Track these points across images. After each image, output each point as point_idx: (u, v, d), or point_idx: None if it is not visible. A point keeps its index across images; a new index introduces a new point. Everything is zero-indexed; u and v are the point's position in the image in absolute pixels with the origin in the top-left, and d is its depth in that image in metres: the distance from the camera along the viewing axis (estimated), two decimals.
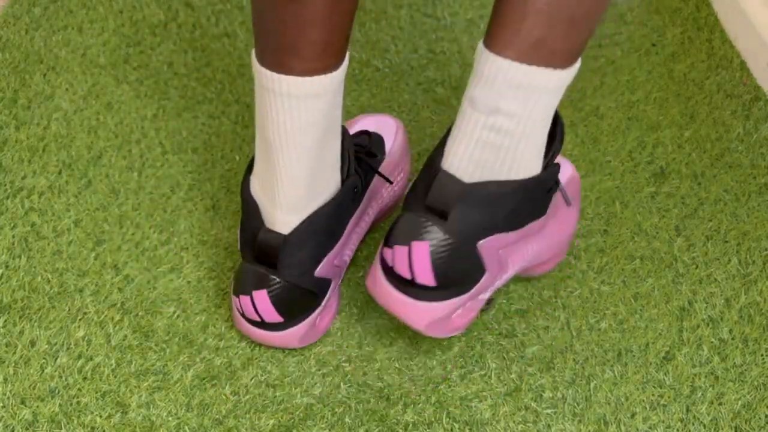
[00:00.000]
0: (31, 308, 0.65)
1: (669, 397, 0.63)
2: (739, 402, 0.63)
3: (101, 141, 0.79)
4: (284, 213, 0.59)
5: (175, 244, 0.71)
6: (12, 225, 0.71)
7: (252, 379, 0.63)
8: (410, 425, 0.61)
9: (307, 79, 0.53)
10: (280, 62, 0.53)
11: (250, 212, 0.60)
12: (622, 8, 1.00)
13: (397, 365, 0.64)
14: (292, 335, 0.62)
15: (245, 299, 0.60)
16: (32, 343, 0.63)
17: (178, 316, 0.66)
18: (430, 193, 0.54)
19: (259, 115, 0.57)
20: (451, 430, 0.61)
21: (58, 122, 0.80)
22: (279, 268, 0.59)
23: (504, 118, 0.52)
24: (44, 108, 0.81)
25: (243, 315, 0.62)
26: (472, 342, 0.66)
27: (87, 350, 0.63)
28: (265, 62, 0.54)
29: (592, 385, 0.64)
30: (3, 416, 0.59)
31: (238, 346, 0.65)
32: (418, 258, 0.55)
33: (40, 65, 0.86)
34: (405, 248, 0.55)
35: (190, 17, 0.94)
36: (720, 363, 0.65)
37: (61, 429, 0.59)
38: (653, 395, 0.63)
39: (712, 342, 0.67)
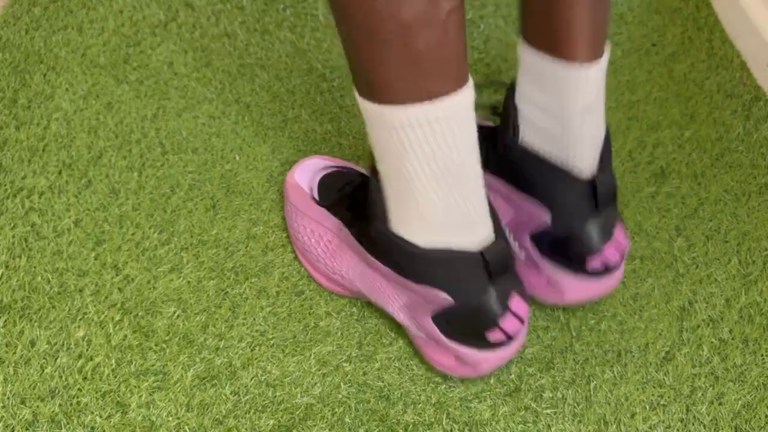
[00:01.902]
0: (31, 308, 0.65)
1: (669, 397, 0.63)
2: (739, 402, 0.63)
3: (101, 141, 0.79)
4: (484, 226, 0.56)
5: (175, 244, 0.71)
6: (12, 225, 0.71)
7: (252, 379, 0.63)
8: (410, 425, 0.61)
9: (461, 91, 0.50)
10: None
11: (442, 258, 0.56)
12: (622, 8, 1.00)
13: (397, 365, 0.64)
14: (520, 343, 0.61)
15: (509, 319, 0.57)
16: (32, 343, 0.63)
17: (178, 316, 0.66)
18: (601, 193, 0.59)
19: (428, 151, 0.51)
20: (451, 430, 0.61)
21: (58, 122, 0.80)
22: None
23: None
24: (44, 108, 0.81)
25: (504, 337, 0.58)
26: None
27: (87, 350, 0.63)
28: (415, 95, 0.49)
29: (592, 385, 0.64)
30: (3, 416, 0.59)
31: (238, 346, 0.65)
32: (622, 237, 0.62)
33: (40, 65, 0.86)
34: (611, 242, 0.61)
35: (190, 17, 0.94)
36: (720, 363, 0.65)
37: (61, 429, 0.59)
38: (653, 395, 0.63)
39: (712, 342, 0.67)
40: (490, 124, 0.70)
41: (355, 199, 0.64)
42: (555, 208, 0.62)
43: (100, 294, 0.67)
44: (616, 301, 0.69)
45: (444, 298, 0.56)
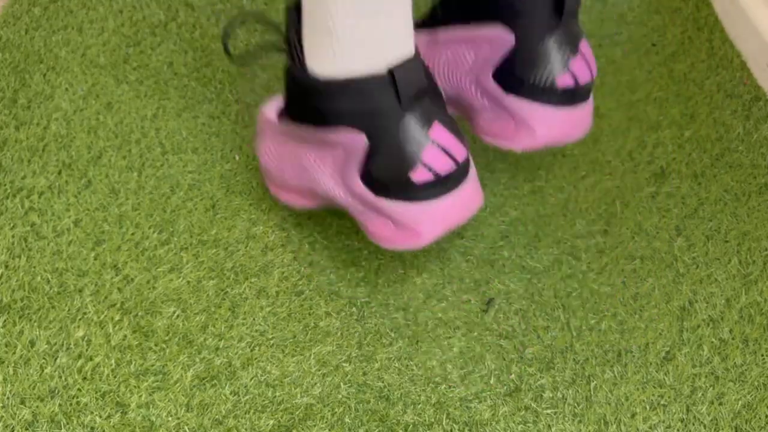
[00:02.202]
0: (30, 308, 0.65)
1: (669, 397, 0.63)
2: (740, 402, 0.63)
3: (101, 141, 0.79)
4: (401, 46, 0.49)
5: (175, 244, 0.71)
6: (12, 225, 0.71)
7: (252, 379, 0.63)
8: (410, 425, 0.61)
9: None
10: None
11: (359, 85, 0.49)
12: (622, 8, 1.00)
13: (397, 365, 0.64)
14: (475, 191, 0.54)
15: (431, 150, 0.50)
16: (32, 343, 0.63)
17: (177, 316, 0.66)
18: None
19: None
20: (451, 430, 0.61)
21: (58, 122, 0.80)
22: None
23: None
24: (44, 108, 0.81)
25: (431, 175, 0.50)
26: (471, 342, 0.66)
27: (87, 350, 0.63)
28: None
29: (592, 385, 0.64)
30: (3, 416, 0.59)
31: (238, 346, 0.65)
32: (588, 52, 0.58)
33: (40, 65, 0.86)
34: (578, 55, 0.57)
35: (190, 17, 0.94)
36: (720, 363, 0.65)
37: (60, 429, 0.59)
38: (653, 395, 0.63)
39: (712, 342, 0.67)
40: None
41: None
42: (518, 28, 0.58)
43: (99, 294, 0.67)
44: (616, 301, 0.69)
45: (359, 138, 0.50)
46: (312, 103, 0.52)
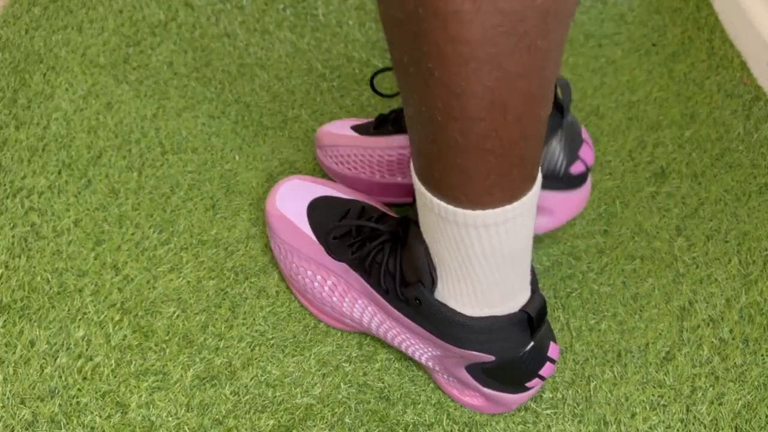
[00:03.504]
0: (30, 308, 0.65)
1: (669, 397, 0.63)
2: (740, 402, 0.63)
3: (101, 141, 0.79)
4: (527, 289, 0.55)
5: (175, 244, 0.71)
6: (12, 225, 0.71)
7: (252, 379, 0.63)
8: (410, 426, 0.61)
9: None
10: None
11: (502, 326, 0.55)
12: (622, 8, 1.00)
13: (397, 365, 0.64)
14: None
15: (547, 366, 0.58)
16: (32, 343, 0.63)
17: (177, 316, 0.66)
18: None
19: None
20: (451, 430, 0.61)
21: (58, 122, 0.80)
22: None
23: None
24: (44, 108, 0.81)
25: (541, 382, 0.59)
26: None
27: (87, 350, 0.63)
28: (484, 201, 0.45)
29: (592, 385, 0.64)
30: (3, 416, 0.59)
31: (238, 346, 0.65)
32: (587, 136, 0.65)
33: (40, 65, 0.86)
34: (583, 143, 0.65)
35: (190, 17, 0.94)
36: (720, 363, 0.65)
37: (60, 429, 0.59)
38: (653, 395, 0.63)
39: (712, 342, 0.67)
40: None
41: (363, 243, 0.60)
42: None
43: (99, 294, 0.67)
44: (616, 301, 0.69)
45: (488, 358, 0.55)
46: (439, 325, 0.55)
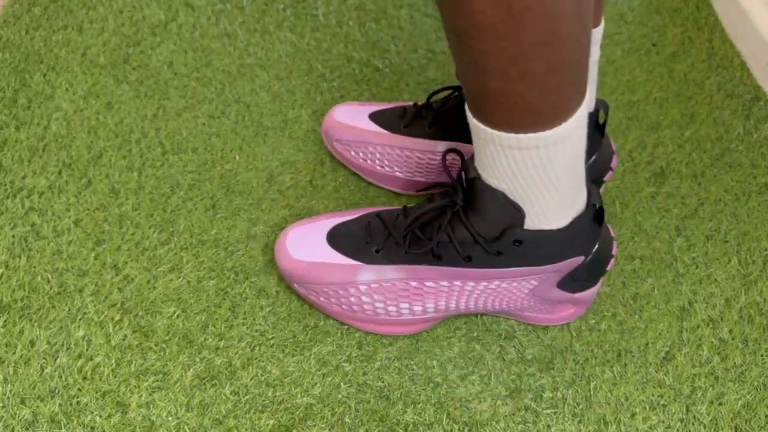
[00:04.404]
0: (31, 308, 0.65)
1: (669, 397, 0.63)
2: (739, 402, 0.63)
3: (101, 141, 0.79)
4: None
5: (175, 243, 0.71)
6: (12, 225, 0.71)
7: (252, 379, 0.63)
8: (410, 425, 0.61)
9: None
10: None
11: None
12: (622, 8, 1.00)
13: (397, 365, 0.64)
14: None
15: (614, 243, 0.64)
16: (32, 343, 0.63)
17: (178, 316, 0.66)
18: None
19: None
20: (451, 430, 0.61)
21: (58, 122, 0.80)
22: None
23: None
24: (44, 108, 0.81)
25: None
26: (472, 343, 0.66)
27: (87, 350, 0.63)
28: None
29: (592, 385, 0.64)
30: (3, 416, 0.59)
31: (238, 346, 0.65)
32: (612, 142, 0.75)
33: (40, 65, 0.86)
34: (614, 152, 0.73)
35: (190, 17, 0.94)
36: (720, 363, 0.65)
37: (61, 429, 0.59)
38: (653, 395, 0.63)
39: (712, 342, 0.67)
40: None
41: (415, 236, 0.62)
42: None
43: (99, 294, 0.67)
44: (616, 301, 0.69)
45: (577, 261, 0.60)
46: (539, 252, 0.59)
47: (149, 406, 0.60)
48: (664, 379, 0.64)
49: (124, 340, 0.64)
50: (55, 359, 0.62)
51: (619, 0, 1.01)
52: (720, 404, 0.63)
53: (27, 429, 0.59)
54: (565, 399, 0.63)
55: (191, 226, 0.73)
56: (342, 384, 0.63)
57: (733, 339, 0.67)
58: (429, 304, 0.63)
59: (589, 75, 0.62)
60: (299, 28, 0.95)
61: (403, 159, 0.73)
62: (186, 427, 0.60)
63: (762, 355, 0.66)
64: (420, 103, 0.75)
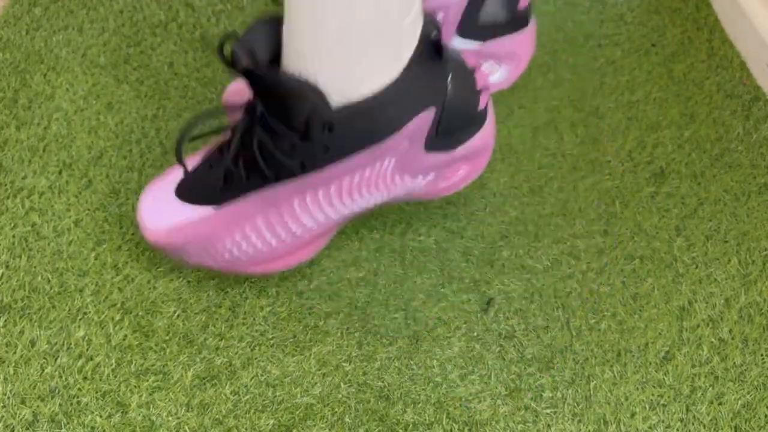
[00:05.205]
0: (31, 308, 0.66)
1: (669, 397, 0.63)
2: (739, 402, 0.63)
3: (101, 141, 0.79)
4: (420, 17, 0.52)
5: None
6: (12, 225, 0.71)
7: (252, 378, 0.63)
8: (410, 425, 0.61)
9: None
10: None
11: None
12: (622, 8, 1.00)
13: (396, 365, 0.64)
14: None
15: (479, 73, 0.53)
16: (32, 343, 0.63)
17: (178, 316, 0.66)
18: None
19: None
20: (451, 430, 0.61)
21: (59, 122, 0.80)
22: None
23: None
24: (44, 108, 0.82)
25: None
26: (471, 342, 0.66)
27: (87, 350, 0.63)
28: None
29: (591, 385, 0.64)
30: (3, 416, 0.59)
31: (238, 346, 0.65)
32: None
33: (41, 65, 0.86)
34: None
35: (190, 17, 0.94)
36: (720, 363, 0.65)
37: (61, 429, 0.59)
38: (653, 395, 0.63)
39: (712, 342, 0.67)
40: None
41: (248, 160, 0.55)
42: None
43: (100, 294, 0.67)
44: (616, 301, 0.69)
45: (429, 116, 0.51)
46: (374, 125, 0.50)
47: (149, 406, 0.61)
48: (663, 378, 0.64)
49: (124, 339, 0.64)
50: (56, 359, 0.63)
51: (619, 0, 1.01)
52: (720, 404, 0.63)
53: (27, 429, 0.59)
54: (565, 399, 0.63)
55: None
56: (342, 384, 0.63)
57: (732, 339, 0.67)
58: (306, 220, 0.57)
59: None
60: None
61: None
62: (186, 427, 0.60)
63: (762, 355, 0.66)
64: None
